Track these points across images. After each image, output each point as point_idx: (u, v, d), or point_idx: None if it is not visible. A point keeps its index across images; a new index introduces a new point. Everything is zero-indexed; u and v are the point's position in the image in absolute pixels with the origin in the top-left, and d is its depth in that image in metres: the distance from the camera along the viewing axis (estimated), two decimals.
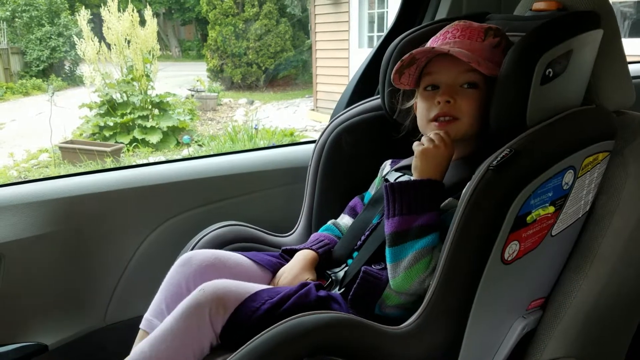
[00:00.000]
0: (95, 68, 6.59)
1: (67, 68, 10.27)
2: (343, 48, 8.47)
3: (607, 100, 1.05)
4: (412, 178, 1.00)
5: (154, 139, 6.46)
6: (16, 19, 9.86)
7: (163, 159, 5.98)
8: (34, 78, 9.77)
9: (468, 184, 0.88)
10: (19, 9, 9.78)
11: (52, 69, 9.97)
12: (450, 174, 1.02)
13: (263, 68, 11.05)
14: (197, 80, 9.76)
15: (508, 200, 0.85)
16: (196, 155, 5.89)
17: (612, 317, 1.03)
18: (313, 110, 8.73)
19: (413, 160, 1.00)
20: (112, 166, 5.30)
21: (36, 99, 8.98)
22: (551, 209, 0.91)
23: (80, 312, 1.32)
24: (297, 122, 8.05)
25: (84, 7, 7.65)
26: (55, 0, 9.92)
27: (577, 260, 1.02)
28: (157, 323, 1.02)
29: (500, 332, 0.97)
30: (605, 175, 1.02)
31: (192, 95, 9.26)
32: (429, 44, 1.08)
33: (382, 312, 1.00)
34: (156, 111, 6.84)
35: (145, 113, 6.70)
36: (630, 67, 2.03)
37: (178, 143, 6.69)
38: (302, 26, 12.16)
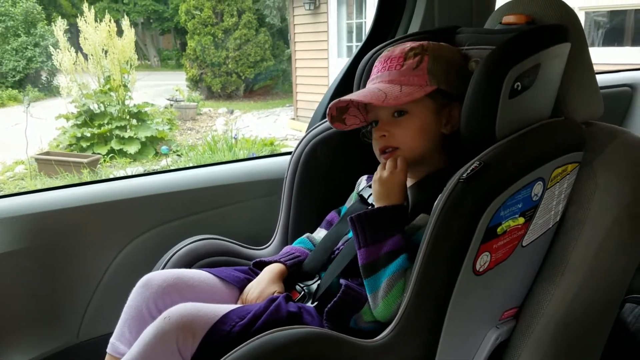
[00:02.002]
0: (72, 78, 6.52)
1: (44, 79, 10.14)
2: (322, 57, 8.52)
3: (576, 112, 1.07)
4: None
5: (132, 149, 6.40)
6: None
7: (141, 169, 5.93)
8: (10, 89, 9.63)
9: (439, 197, 0.89)
10: None
11: (29, 79, 9.83)
12: (421, 189, 1.04)
13: (243, 77, 11.05)
14: (176, 90, 9.71)
15: (478, 211, 0.86)
16: (174, 165, 5.85)
17: (584, 325, 1.04)
18: (293, 119, 8.75)
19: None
20: (88, 179, 5.24)
21: (12, 109, 8.84)
22: (521, 220, 0.92)
23: (53, 329, 1.30)
24: (278, 131, 8.06)
25: (60, 17, 7.57)
26: (31, 11, 9.81)
27: (549, 270, 1.03)
28: (121, 347, 1.01)
29: (474, 342, 0.98)
30: (575, 186, 1.03)
31: (171, 105, 9.20)
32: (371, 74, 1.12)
33: (357, 326, 1.00)
34: (134, 121, 6.78)
35: (123, 123, 6.64)
36: (601, 77, 2.08)
37: (157, 153, 6.64)
38: (281, 35, 12.20)
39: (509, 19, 1.11)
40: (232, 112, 9.96)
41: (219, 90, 11.01)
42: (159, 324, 0.89)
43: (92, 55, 6.58)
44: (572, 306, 1.01)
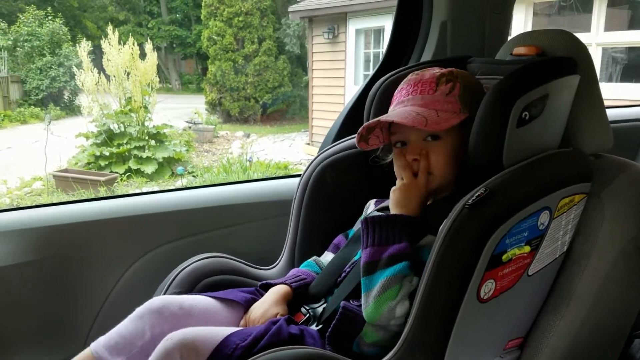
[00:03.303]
0: (94, 98, 6.67)
1: (66, 98, 10.37)
2: (339, 85, 8.62)
3: (585, 144, 1.07)
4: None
5: (149, 169, 6.48)
6: (18, 48, 10.00)
7: (157, 189, 5.99)
8: (33, 106, 9.85)
9: (445, 221, 0.89)
10: (21, 39, 9.93)
11: (51, 98, 10.06)
12: (431, 212, 1.04)
13: (260, 102, 11.20)
14: (195, 113, 9.87)
15: (483, 238, 0.86)
16: (188, 186, 5.91)
17: (589, 358, 1.03)
18: (308, 144, 8.81)
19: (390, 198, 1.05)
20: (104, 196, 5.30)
21: (33, 127, 9.03)
22: (527, 248, 0.92)
23: (60, 341, 1.31)
24: (293, 155, 8.11)
25: (85, 38, 7.78)
26: (57, 32, 10.09)
27: (555, 301, 1.02)
28: (102, 351, 1.02)
29: None
30: (582, 216, 1.03)
31: (190, 127, 9.34)
32: (394, 97, 1.12)
33: (360, 349, 0.99)
34: (153, 142, 6.89)
35: (141, 144, 6.74)
36: (614, 111, 2.07)
37: (173, 174, 6.71)
38: (300, 63, 12.38)
39: (519, 50, 1.12)
40: (248, 136, 10.07)
41: (236, 114, 11.16)
42: (162, 345, 0.91)
43: (114, 76, 6.73)
44: (577, 338, 1.00)
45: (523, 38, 1.16)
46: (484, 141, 0.96)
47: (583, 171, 1.01)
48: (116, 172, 6.26)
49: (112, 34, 6.59)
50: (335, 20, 8.57)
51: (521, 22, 6.56)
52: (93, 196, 5.30)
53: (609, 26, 5.96)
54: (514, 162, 0.94)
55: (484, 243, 0.86)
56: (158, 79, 7.17)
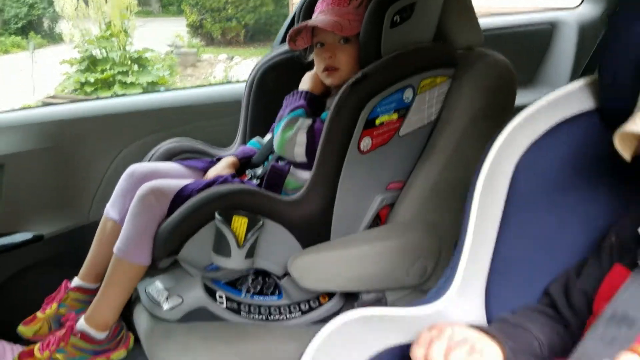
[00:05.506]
0: (75, 24, 6.77)
1: (46, 25, 10.32)
2: None
3: (455, 39, 1.43)
4: None
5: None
6: None
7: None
8: (13, 35, 9.82)
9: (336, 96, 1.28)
10: None
11: (31, 26, 10.02)
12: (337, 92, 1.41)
13: (243, 23, 11.15)
14: (177, 36, 9.89)
15: (360, 107, 1.24)
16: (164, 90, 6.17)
17: (447, 193, 1.38)
18: None
19: None
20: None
21: (16, 56, 9.09)
22: (395, 115, 1.30)
23: (69, 210, 1.73)
24: None
25: None
26: None
27: (425, 153, 1.39)
28: (110, 210, 1.46)
29: (364, 202, 1.36)
30: (447, 94, 1.39)
31: (172, 51, 9.41)
32: (316, 7, 1.45)
33: (287, 195, 1.40)
34: (135, 67, 7.04)
35: (124, 69, 6.89)
36: (525, 16, 2.37)
37: None
38: None
39: None
40: (232, 59, 10.15)
41: (219, 37, 11.15)
42: (138, 192, 1.32)
43: (92, 0, 6.79)
44: (438, 179, 1.37)
45: None
46: (367, 39, 1.32)
47: (444, 59, 1.37)
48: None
49: None
50: None
51: None
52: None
53: None
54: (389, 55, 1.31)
55: (360, 110, 1.24)
56: (136, 2, 7.23)
